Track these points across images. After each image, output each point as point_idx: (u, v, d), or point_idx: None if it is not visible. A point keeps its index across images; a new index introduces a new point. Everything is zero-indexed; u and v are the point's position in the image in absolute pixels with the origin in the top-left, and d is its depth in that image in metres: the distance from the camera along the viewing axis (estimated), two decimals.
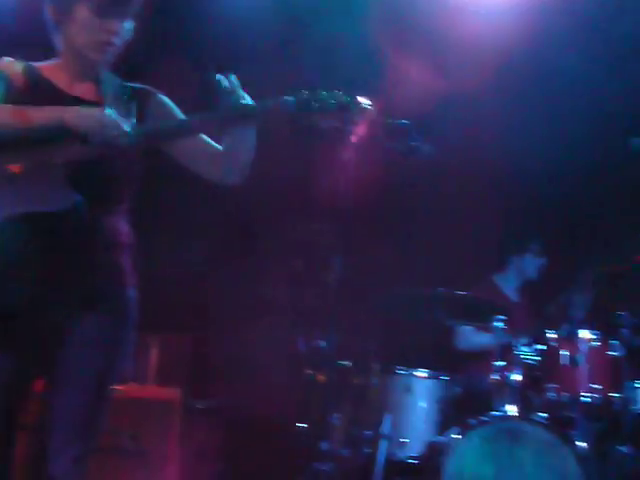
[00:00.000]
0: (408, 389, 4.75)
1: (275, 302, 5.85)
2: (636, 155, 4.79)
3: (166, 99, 3.04)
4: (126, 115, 2.78)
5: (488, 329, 4.67)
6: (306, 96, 2.86)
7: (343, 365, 4.82)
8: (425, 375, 4.80)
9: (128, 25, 2.85)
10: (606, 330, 4.68)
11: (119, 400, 3.25)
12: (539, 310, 5.43)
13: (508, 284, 5.65)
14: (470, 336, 5.29)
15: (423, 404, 4.76)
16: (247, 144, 2.95)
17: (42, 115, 2.67)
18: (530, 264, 5.58)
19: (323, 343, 4.56)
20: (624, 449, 4.57)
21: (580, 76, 5.47)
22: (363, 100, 2.96)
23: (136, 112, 2.87)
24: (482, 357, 5.01)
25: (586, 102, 5.51)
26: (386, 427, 4.63)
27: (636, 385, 4.63)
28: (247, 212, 5.96)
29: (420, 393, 4.76)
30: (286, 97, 2.86)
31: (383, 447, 4.60)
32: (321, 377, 4.68)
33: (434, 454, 4.48)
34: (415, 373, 4.80)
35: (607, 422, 4.76)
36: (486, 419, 4.37)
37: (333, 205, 4.30)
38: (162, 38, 5.30)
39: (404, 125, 4.63)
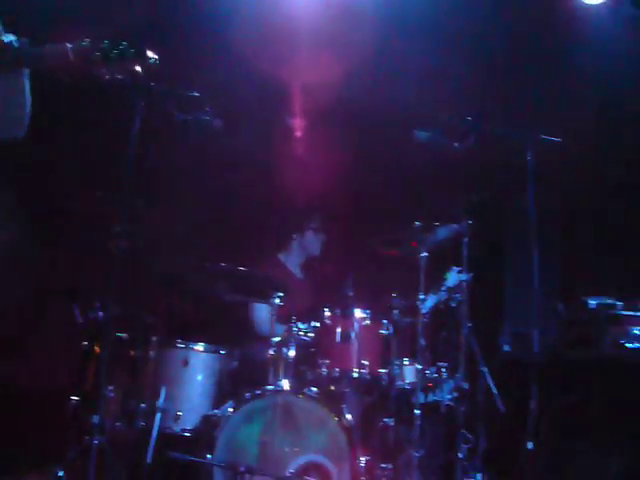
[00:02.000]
0: (186, 362, 4.74)
1: (51, 272, 5.61)
2: (418, 146, 5.09)
3: None
4: None
5: (269, 306, 4.75)
6: (87, 45, 2.75)
7: (120, 337, 4.73)
8: (203, 349, 4.82)
9: None
10: (377, 310, 4.93)
11: None
12: (321, 287, 5.63)
13: (293, 261, 5.79)
14: (254, 312, 5.38)
15: (200, 377, 4.78)
16: (16, 94, 2.78)
17: None
18: (311, 241, 5.75)
19: (100, 314, 4.46)
20: (389, 421, 4.87)
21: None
22: (149, 53, 2.89)
23: None
24: (260, 333, 5.11)
25: (376, 98, 5.76)
26: (162, 400, 4.60)
27: (403, 362, 4.95)
28: (29, 181, 5.65)
29: (197, 367, 4.78)
30: (65, 44, 2.74)
31: (158, 420, 4.57)
32: (97, 349, 4.56)
33: (208, 427, 4.52)
34: (193, 347, 4.80)
35: (374, 396, 5.04)
36: (260, 393, 4.47)
37: (119, 173, 4.20)
38: None
39: (196, 98, 4.61)
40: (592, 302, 5.05)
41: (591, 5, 5.89)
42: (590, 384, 4.94)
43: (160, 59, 2.98)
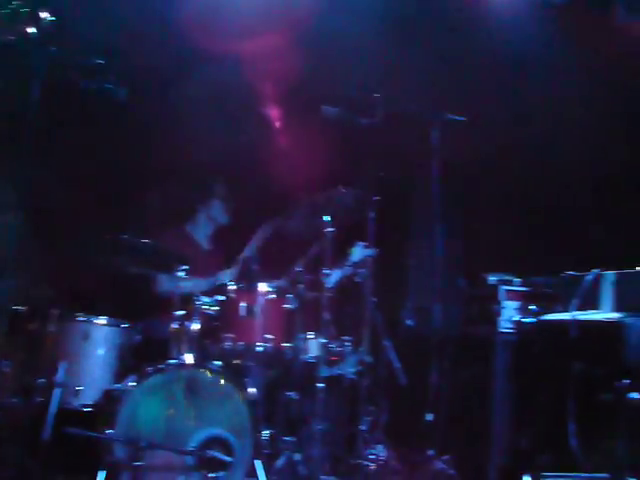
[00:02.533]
0: (86, 336, 4.64)
1: None
2: (326, 120, 5.10)
3: None
4: None
5: (172, 278, 4.69)
6: None
7: (18, 310, 4.59)
8: (105, 322, 4.72)
9: None
10: (282, 284, 4.95)
11: None
12: (229, 258, 5.57)
13: (201, 232, 5.71)
14: (157, 284, 5.29)
15: (101, 351, 4.69)
16: None
17: None
18: (218, 209, 5.69)
19: None
20: (292, 395, 4.91)
21: None
22: (43, 13, 2.78)
23: None
24: (164, 306, 5.03)
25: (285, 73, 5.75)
26: (61, 375, 4.50)
27: (307, 336, 4.98)
28: None
29: (99, 340, 4.68)
30: None
31: (56, 396, 4.46)
32: None
33: (109, 402, 4.44)
34: (94, 320, 4.70)
35: (278, 370, 5.06)
36: (162, 367, 4.42)
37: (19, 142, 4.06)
38: None
39: (100, 65, 4.48)
40: (492, 278, 5.19)
41: None
42: (489, 358, 5.09)
43: (59, 23, 2.88)
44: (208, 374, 4.48)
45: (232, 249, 5.57)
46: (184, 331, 4.56)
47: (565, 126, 6.28)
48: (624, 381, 3.82)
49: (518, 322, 5.12)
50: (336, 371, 5.02)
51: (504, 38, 6.08)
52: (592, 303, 4.18)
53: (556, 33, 6.15)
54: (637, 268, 4.43)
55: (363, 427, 4.92)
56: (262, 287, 4.83)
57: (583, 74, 6.29)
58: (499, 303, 5.14)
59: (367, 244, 4.98)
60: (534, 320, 4.84)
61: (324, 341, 4.84)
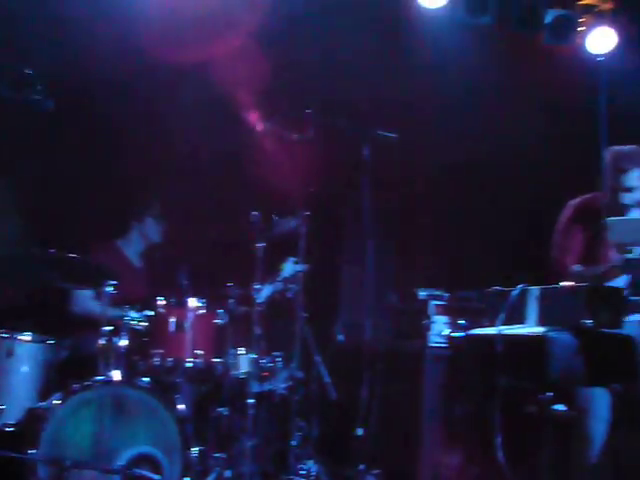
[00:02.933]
0: (10, 353, 4.51)
1: None
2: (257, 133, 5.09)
3: None
4: None
5: (99, 294, 4.61)
6: None
7: None
8: (29, 338, 4.60)
9: None
10: (213, 299, 4.91)
11: None
12: (159, 276, 5.51)
13: (132, 249, 5.64)
14: (83, 300, 5.19)
15: (26, 368, 4.56)
16: None
17: None
18: (151, 227, 5.63)
19: None
20: (223, 411, 4.87)
21: None
22: None
23: None
24: (91, 321, 4.94)
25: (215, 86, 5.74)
26: None
27: (238, 352, 4.95)
28: None
29: (23, 357, 4.55)
30: None
31: None
32: None
33: (33, 421, 4.33)
34: (19, 336, 4.57)
35: (209, 386, 5.02)
36: (89, 384, 4.33)
37: None
38: None
39: (28, 75, 4.39)
40: (422, 293, 5.25)
41: (429, 9, 6.11)
42: (419, 372, 5.14)
43: None
44: (136, 391, 4.41)
45: (162, 267, 5.52)
46: (112, 347, 4.48)
47: (497, 143, 6.44)
48: (548, 394, 3.90)
49: (447, 336, 5.20)
50: (267, 387, 5.01)
51: (436, 56, 6.20)
52: (518, 317, 4.27)
53: (485, 53, 6.31)
54: (561, 284, 4.56)
55: (294, 442, 4.92)
56: (192, 302, 4.80)
57: (512, 92, 6.46)
58: (429, 318, 5.21)
59: (298, 259, 4.99)
60: (463, 334, 4.92)
61: (255, 356, 4.83)
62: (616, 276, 4.03)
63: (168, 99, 5.74)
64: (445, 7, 6.10)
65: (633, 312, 3.84)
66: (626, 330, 3.78)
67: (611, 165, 4.39)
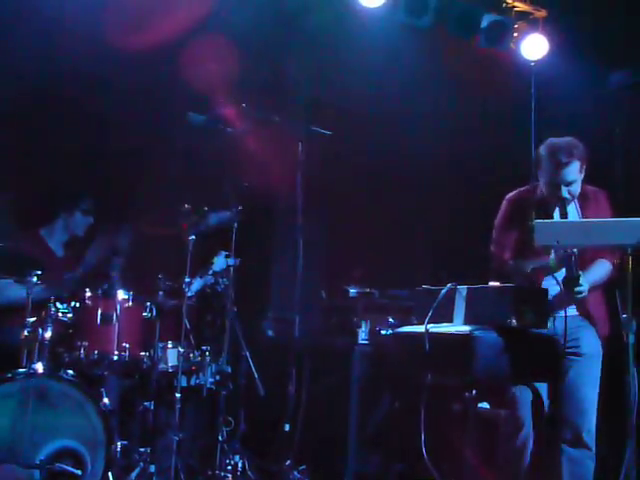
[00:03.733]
0: None
1: None
2: (191, 127, 5.05)
3: None
4: None
5: (23, 283, 4.49)
6: None
7: None
8: None
9: None
10: (141, 291, 4.84)
11: None
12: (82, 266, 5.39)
13: (54, 238, 5.51)
14: (4, 289, 5.04)
15: None
16: None
17: None
18: (79, 222, 5.51)
19: None
20: (149, 405, 4.81)
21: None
22: None
23: None
24: (14, 312, 4.81)
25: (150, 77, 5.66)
26: None
27: (166, 345, 4.90)
28: None
29: None
30: None
31: None
32: None
33: None
34: None
35: (135, 380, 4.95)
36: (10, 376, 4.22)
37: None
38: None
39: None
40: (352, 291, 5.29)
41: (369, 8, 6.14)
42: (347, 369, 5.17)
43: None
44: (60, 383, 4.31)
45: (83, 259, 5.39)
46: (36, 338, 4.37)
47: (432, 143, 6.51)
48: (473, 392, 3.96)
49: (376, 334, 5.24)
50: (195, 381, 4.96)
51: (374, 56, 6.24)
52: (446, 316, 4.32)
53: (423, 54, 6.38)
54: (489, 283, 4.63)
55: (220, 437, 4.88)
56: (120, 294, 4.72)
57: (448, 93, 6.56)
58: (358, 315, 5.25)
59: (229, 253, 4.96)
60: (391, 332, 4.96)
61: (183, 350, 4.77)
62: (553, 271, 3.94)
63: (102, 91, 5.63)
64: (385, 7, 6.15)
65: (566, 306, 3.90)
66: (556, 325, 3.88)
67: (548, 158, 4.11)
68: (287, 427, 4.91)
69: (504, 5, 6.51)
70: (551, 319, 3.86)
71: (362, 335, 5.22)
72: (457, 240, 6.36)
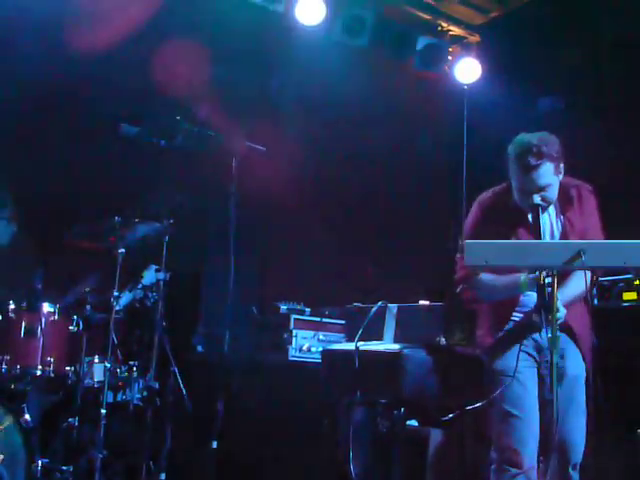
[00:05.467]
0: None
1: None
2: (124, 138, 4.98)
3: None
4: None
5: None
6: None
7: None
8: None
9: None
10: (68, 305, 4.74)
11: None
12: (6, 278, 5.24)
13: None
14: None
15: None
16: None
17: None
18: (2, 231, 5.36)
19: None
20: (73, 421, 4.68)
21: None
22: None
23: None
24: None
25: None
26: None
27: (93, 360, 4.79)
28: None
29: None
30: None
31: None
32: None
33: None
34: None
35: (59, 395, 4.82)
36: None
37: None
38: None
39: None
40: (283, 307, 5.27)
41: (306, 26, 6.19)
42: (277, 386, 5.14)
43: None
44: None
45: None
46: None
47: (365, 161, 6.57)
48: (401, 410, 3.98)
49: (307, 351, 5.23)
50: (121, 397, 4.86)
51: (311, 74, 6.27)
52: (376, 334, 4.34)
53: (358, 73, 6.45)
54: (420, 302, 4.67)
55: (146, 455, 4.79)
56: (45, 307, 4.61)
57: (382, 112, 6.63)
58: (290, 332, 5.23)
59: (159, 267, 4.89)
60: (322, 349, 4.96)
61: (110, 366, 4.67)
62: (523, 290, 3.53)
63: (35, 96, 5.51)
64: (323, 26, 6.20)
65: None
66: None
67: (515, 160, 3.55)
68: (215, 444, 4.85)
69: (439, 29, 6.66)
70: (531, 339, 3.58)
71: (292, 352, 5.20)
72: (389, 257, 6.41)
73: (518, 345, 3.52)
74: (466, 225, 3.82)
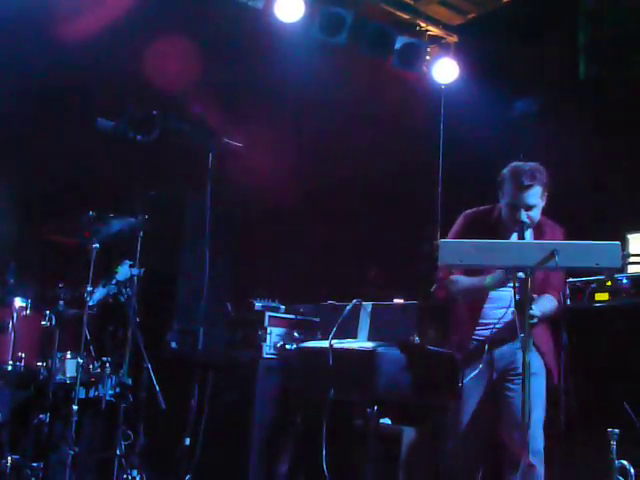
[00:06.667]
0: None
1: None
2: (101, 132, 4.94)
3: None
4: None
5: None
6: None
7: None
8: None
9: None
10: (40, 299, 4.70)
11: None
12: None
13: None
14: None
15: None
16: None
17: None
18: None
19: None
20: (44, 417, 4.63)
21: None
22: None
23: None
24: None
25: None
26: None
27: (64, 355, 4.74)
28: None
29: None
30: None
31: None
32: None
33: None
34: None
35: (30, 391, 4.77)
36: None
37: None
38: None
39: None
40: (258, 304, 5.26)
41: (285, 23, 6.19)
42: (251, 383, 5.13)
43: None
44: None
45: None
46: None
47: (340, 159, 6.58)
48: (375, 408, 3.98)
49: (281, 348, 5.22)
50: (93, 393, 4.82)
51: (288, 70, 6.27)
52: (351, 332, 4.35)
53: (336, 71, 6.46)
54: (395, 301, 4.69)
55: (119, 451, 4.75)
56: (17, 302, 4.56)
57: (360, 110, 6.65)
58: (264, 329, 5.22)
59: (134, 263, 4.85)
60: (296, 346, 4.95)
61: (82, 361, 4.63)
62: (489, 289, 3.92)
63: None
64: (301, 23, 6.20)
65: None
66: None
67: (510, 180, 4.02)
68: (188, 441, 4.83)
69: (418, 28, 6.68)
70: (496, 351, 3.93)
71: (267, 349, 5.19)
72: (364, 258, 6.42)
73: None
74: (450, 234, 4.19)
